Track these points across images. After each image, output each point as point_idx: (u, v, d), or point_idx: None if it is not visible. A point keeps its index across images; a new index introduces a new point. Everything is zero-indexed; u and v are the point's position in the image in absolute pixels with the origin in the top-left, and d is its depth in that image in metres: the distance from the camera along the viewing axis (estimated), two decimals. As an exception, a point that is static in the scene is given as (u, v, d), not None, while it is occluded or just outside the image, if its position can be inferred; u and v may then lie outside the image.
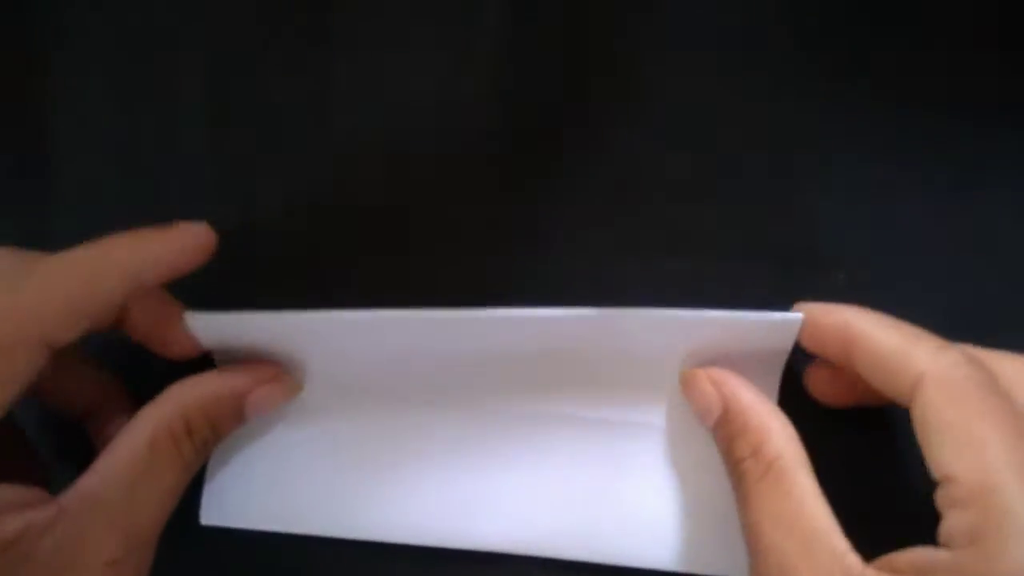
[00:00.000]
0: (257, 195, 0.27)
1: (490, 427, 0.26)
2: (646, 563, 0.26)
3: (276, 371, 0.25)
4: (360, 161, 0.27)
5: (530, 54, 0.27)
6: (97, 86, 0.27)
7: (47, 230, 0.27)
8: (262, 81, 0.27)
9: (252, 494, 0.26)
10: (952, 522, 0.19)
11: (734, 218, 0.27)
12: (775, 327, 0.24)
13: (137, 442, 0.22)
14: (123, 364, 0.26)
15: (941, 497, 0.19)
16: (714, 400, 0.24)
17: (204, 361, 0.25)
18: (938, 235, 0.27)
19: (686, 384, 0.25)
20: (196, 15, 0.27)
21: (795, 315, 0.24)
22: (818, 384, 0.26)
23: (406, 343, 0.25)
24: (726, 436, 0.23)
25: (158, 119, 0.27)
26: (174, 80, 0.27)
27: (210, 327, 0.24)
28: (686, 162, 0.27)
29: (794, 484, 0.21)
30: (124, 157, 0.27)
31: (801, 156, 0.28)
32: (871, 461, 0.26)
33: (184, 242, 0.23)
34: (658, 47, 0.28)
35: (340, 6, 0.27)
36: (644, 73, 0.27)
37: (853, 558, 0.19)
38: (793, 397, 0.26)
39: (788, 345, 0.25)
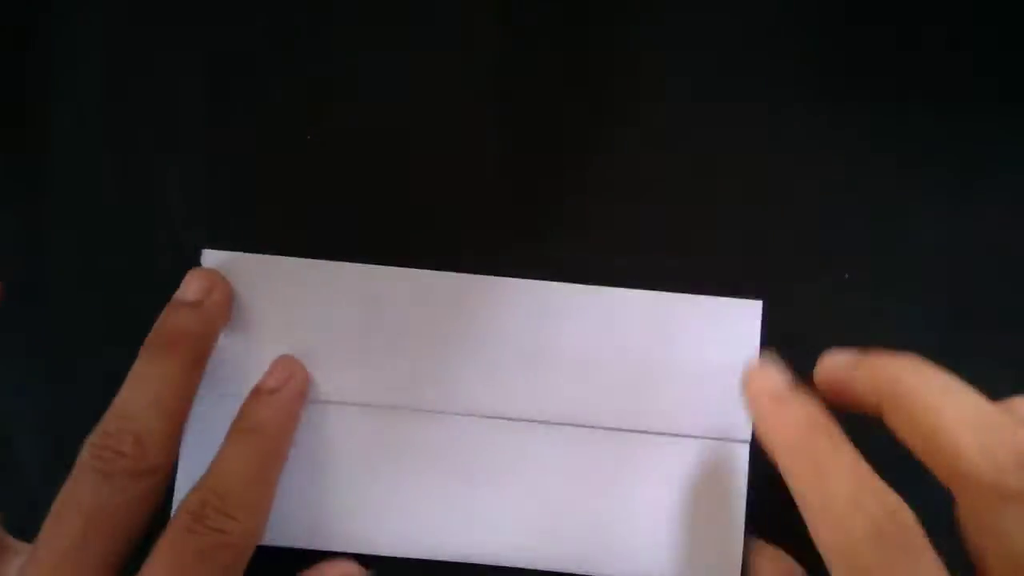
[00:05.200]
0: (257, 196, 0.27)
1: (481, 434, 0.26)
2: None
3: None
4: (360, 161, 0.27)
5: (530, 54, 0.27)
6: (97, 86, 0.27)
7: (46, 230, 0.27)
8: (262, 81, 0.27)
9: None
10: None
11: (734, 217, 0.27)
12: (737, 313, 0.26)
13: None
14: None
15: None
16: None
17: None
18: (938, 235, 0.27)
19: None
20: (196, 15, 0.27)
21: (754, 302, 0.26)
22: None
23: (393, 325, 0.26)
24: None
25: (158, 119, 0.27)
26: (174, 80, 0.27)
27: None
28: (685, 162, 0.27)
29: None
30: (124, 157, 0.27)
31: (801, 156, 0.28)
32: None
33: None
34: (658, 47, 0.28)
35: (340, 6, 0.27)
36: (644, 73, 0.28)
37: None
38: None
39: (755, 337, 0.26)
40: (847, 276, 0.27)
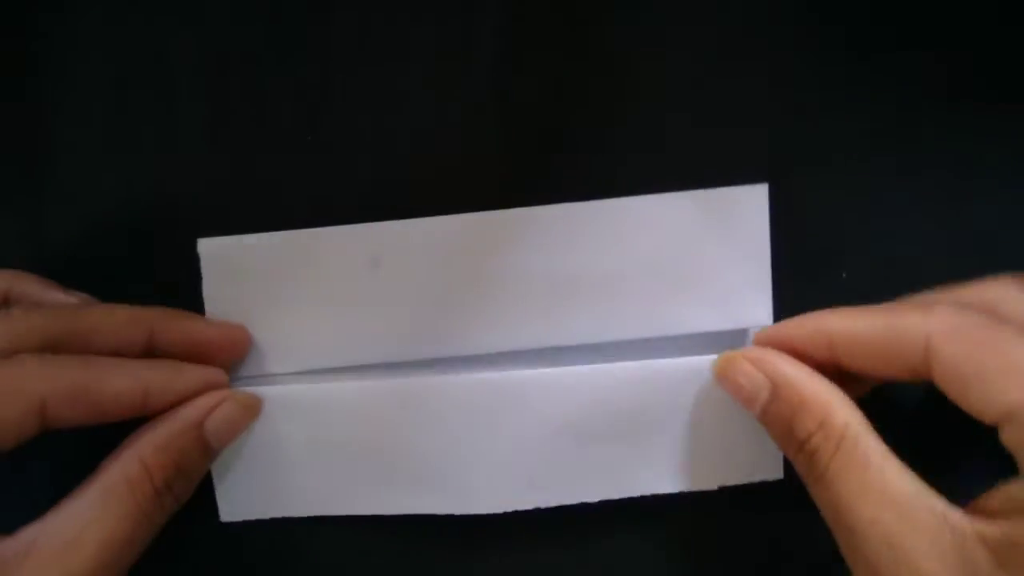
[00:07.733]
0: (257, 196, 0.27)
1: (510, 371, 0.26)
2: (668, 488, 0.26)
3: (226, 393, 0.25)
4: (360, 161, 0.27)
5: (530, 54, 0.27)
6: (97, 86, 0.27)
7: (46, 230, 0.28)
8: (262, 81, 0.27)
9: (263, 485, 0.26)
10: None
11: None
12: (742, 199, 0.26)
13: (89, 491, 0.22)
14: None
15: (1009, 436, 0.19)
16: (759, 381, 0.23)
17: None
18: (938, 235, 0.27)
19: (723, 370, 0.24)
20: (196, 15, 0.27)
21: (760, 186, 0.26)
22: None
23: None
24: (781, 417, 0.22)
25: (158, 119, 0.27)
26: (174, 80, 0.27)
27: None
28: (685, 162, 0.27)
29: (872, 452, 0.20)
30: (124, 157, 0.27)
31: (800, 156, 0.28)
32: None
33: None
34: (657, 46, 0.27)
35: (340, 7, 0.27)
36: (644, 73, 0.27)
37: (956, 514, 0.19)
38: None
39: (764, 219, 0.26)
40: (845, 276, 0.27)
